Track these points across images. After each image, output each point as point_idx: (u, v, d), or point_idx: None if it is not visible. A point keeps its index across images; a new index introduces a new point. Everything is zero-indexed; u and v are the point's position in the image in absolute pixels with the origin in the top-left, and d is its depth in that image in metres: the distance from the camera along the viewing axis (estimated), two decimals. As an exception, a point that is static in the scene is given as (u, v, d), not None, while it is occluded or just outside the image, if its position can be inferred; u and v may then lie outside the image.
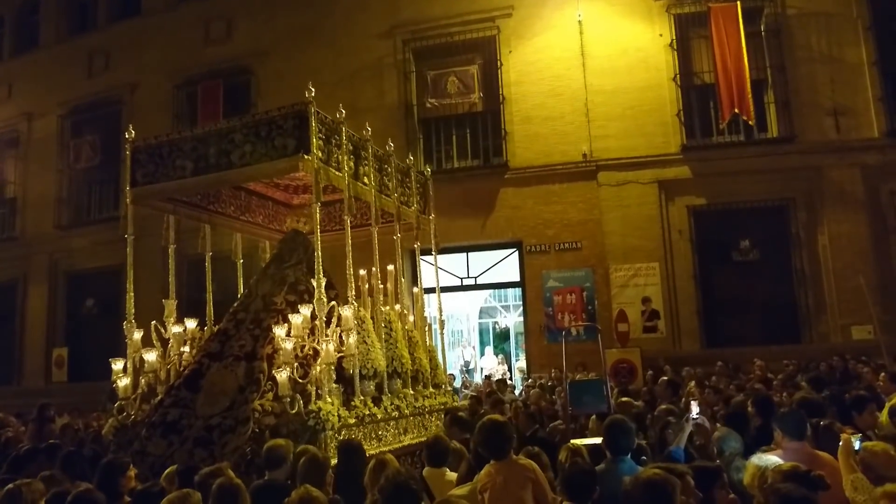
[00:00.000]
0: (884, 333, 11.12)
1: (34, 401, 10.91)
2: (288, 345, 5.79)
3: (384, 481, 3.21)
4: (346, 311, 6.04)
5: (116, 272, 14.25)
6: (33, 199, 18.56)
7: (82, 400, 12.76)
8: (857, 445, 3.91)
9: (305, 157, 5.94)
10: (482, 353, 18.82)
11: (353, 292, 6.46)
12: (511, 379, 15.37)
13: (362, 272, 7.49)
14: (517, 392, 12.85)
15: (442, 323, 8.84)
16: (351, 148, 6.72)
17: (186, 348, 7.18)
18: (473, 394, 10.84)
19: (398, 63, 15.40)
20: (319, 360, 5.76)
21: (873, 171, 13.26)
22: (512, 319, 19.27)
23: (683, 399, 8.08)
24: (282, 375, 5.49)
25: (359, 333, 6.22)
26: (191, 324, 7.41)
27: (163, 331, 7.02)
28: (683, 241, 13.74)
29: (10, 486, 4.00)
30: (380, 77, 15.46)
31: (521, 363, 17.02)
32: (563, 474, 3.88)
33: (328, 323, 5.98)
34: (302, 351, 5.98)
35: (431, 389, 7.82)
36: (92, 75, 18.29)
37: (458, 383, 14.06)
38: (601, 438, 4.72)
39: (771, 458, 3.64)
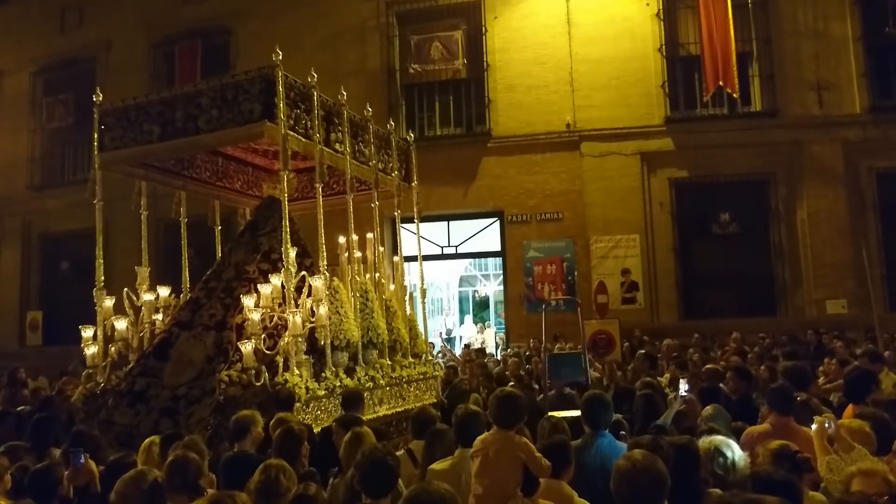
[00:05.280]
0: (855, 307, 11.26)
1: (7, 364, 10.79)
2: (255, 315, 5.68)
3: (360, 457, 3.15)
4: (317, 282, 5.94)
5: (92, 235, 13.71)
6: (5, 158, 18.01)
7: (57, 363, 12.60)
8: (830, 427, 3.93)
9: (269, 123, 5.76)
10: (461, 322, 18.83)
11: (326, 262, 6.35)
12: (488, 348, 15.35)
13: (341, 241, 7.38)
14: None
15: (423, 292, 8.76)
16: (323, 114, 6.54)
17: (159, 316, 7.08)
18: (451, 363, 10.82)
19: (381, 26, 15.06)
20: (287, 331, 5.67)
21: (854, 146, 13.30)
22: (492, 288, 19.27)
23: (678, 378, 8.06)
24: (247, 347, 5.41)
25: (331, 304, 6.13)
26: (163, 291, 7.31)
27: (135, 298, 6.91)
28: (664, 214, 13.76)
29: None
30: (362, 41, 15.12)
31: (490, 331, 17.02)
32: (539, 447, 3.84)
33: (299, 293, 5.88)
34: (271, 321, 5.89)
35: (410, 359, 7.78)
36: (65, 31, 17.70)
37: (436, 350, 14.03)
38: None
39: (719, 437, 3.62)
